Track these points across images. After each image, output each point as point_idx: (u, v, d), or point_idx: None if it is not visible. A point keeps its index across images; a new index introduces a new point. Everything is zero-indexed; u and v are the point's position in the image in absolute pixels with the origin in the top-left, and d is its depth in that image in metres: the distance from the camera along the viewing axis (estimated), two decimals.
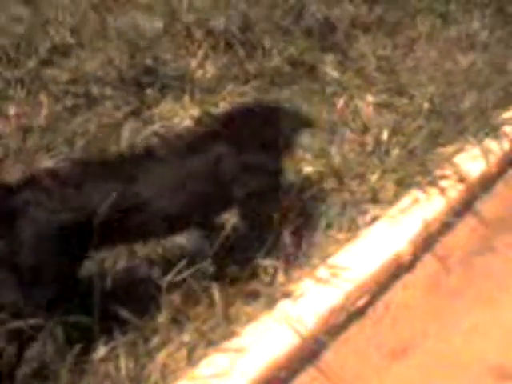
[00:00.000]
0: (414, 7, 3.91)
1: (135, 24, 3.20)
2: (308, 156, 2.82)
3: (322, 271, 2.30)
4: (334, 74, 3.31)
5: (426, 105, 3.12)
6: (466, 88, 3.28)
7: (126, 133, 2.78)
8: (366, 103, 3.13)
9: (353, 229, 2.50)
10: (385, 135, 2.91)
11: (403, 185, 2.67)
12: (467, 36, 3.80)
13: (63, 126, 2.73)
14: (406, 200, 2.62)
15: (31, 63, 2.92)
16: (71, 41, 3.05)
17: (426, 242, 2.58)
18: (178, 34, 3.22)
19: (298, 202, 2.59)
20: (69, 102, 2.84)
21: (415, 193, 2.66)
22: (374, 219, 2.54)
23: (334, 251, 2.38)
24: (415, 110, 3.09)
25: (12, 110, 2.76)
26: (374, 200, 2.62)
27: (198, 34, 3.26)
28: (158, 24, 3.23)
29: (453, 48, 3.69)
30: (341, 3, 3.75)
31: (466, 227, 2.73)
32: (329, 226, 2.49)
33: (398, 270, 2.46)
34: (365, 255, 2.40)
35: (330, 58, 3.41)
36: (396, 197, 2.62)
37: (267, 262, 2.26)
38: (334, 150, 2.87)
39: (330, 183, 2.69)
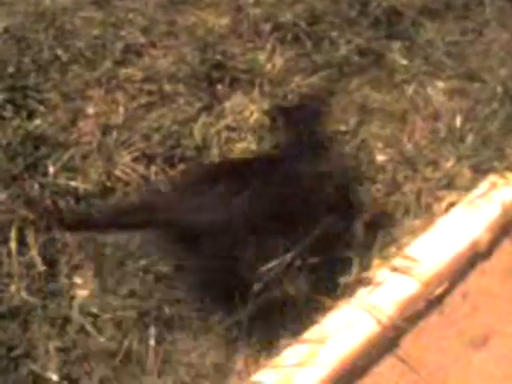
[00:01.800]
0: None
1: (203, 21, 3.21)
2: (379, 145, 2.79)
3: (398, 261, 2.26)
4: (403, 61, 3.24)
5: (499, 89, 3.03)
6: None
7: (199, 127, 2.79)
8: (437, 90, 3.06)
9: (429, 216, 2.45)
10: (458, 121, 2.85)
11: (480, 170, 2.60)
12: None
13: (139, 123, 2.76)
14: (483, 185, 2.55)
15: (107, 63, 2.96)
16: (143, 40, 3.08)
17: (505, 228, 2.51)
18: (245, 29, 3.21)
19: (373, 191, 2.57)
20: (143, 99, 2.86)
21: (492, 178, 2.59)
22: (451, 206, 2.49)
23: (410, 240, 2.34)
24: (488, 95, 3.00)
25: (91, 110, 2.82)
26: (450, 186, 2.56)
27: (266, 27, 3.24)
28: (226, 20, 3.23)
29: None
30: None
31: None
32: (405, 213, 2.45)
33: (475, 257, 2.41)
34: (441, 243, 2.35)
35: (397, 45, 3.33)
36: (472, 182, 2.56)
37: (343, 253, 2.26)
38: (405, 137, 2.82)
39: (403, 171, 2.66)
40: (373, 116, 2.91)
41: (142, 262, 2.21)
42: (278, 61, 3.14)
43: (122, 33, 3.11)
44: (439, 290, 2.27)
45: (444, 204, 2.50)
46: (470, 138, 2.75)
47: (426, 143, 2.79)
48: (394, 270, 2.22)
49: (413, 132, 2.86)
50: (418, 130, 2.87)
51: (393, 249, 2.30)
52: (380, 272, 2.21)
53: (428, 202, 2.51)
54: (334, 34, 3.28)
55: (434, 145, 2.77)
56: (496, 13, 3.68)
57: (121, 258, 2.24)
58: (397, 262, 2.25)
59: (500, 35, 3.54)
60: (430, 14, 3.62)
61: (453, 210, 2.48)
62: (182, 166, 2.65)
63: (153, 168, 2.64)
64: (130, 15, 3.20)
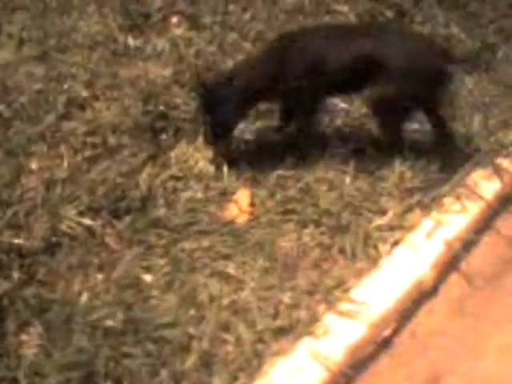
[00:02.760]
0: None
1: (146, 73, 3.22)
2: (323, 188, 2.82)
3: (344, 304, 2.27)
4: None
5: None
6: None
7: (144, 178, 2.78)
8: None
9: (374, 257, 2.48)
10: (396, 162, 2.91)
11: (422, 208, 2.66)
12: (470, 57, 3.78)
13: (84, 176, 2.74)
14: (426, 223, 2.61)
15: (50, 118, 2.95)
16: (85, 94, 3.08)
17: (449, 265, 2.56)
18: (187, 79, 3.24)
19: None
20: (88, 152, 2.85)
21: (435, 215, 2.64)
22: (395, 245, 2.53)
23: (356, 283, 2.36)
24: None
25: (34, 165, 2.79)
26: (394, 227, 2.60)
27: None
28: (168, 71, 3.25)
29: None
30: None
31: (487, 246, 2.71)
32: (351, 256, 2.48)
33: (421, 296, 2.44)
34: (387, 284, 2.38)
35: None
36: (416, 221, 2.62)
37: (288, 299, 2.28)
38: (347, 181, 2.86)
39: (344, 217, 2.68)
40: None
41: (90, 318, 2.17)
42: None
43: (65, 86, 3.11)
44: (387, 332, 2.28)
45: (388, 244, 2.53)
46: (408, 176, 2.81)
47: (368, 185, 2.83)
48: (341, 314, 2.22)
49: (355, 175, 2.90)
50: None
51: (338, 292, 2.31)
52: (326, 318, 2.21)
53: (373, 244, 2.54)
54: None
55: (375, 186, 2.82)
56: None
57: (68, 314, 2.20)
58: (343, 306, 2.26)
59: None
60: None
61: (397, 250, 2.51)
62: (127, 219, 2.64)
63: (99, 221, 2.62)
64: (73, 69, 3.20)
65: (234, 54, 3.40)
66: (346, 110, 3.20)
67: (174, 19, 3.58)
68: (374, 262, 2.47)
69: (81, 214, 2.60)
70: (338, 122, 3.17)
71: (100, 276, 2.41)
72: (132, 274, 2.42)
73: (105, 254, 2.51)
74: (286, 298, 2.30)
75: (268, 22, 3.62)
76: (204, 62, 3.34)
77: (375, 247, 2.54)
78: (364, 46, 2.84)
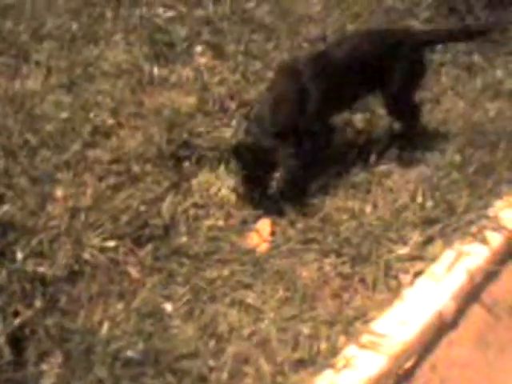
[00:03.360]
0: (438, 61, 3.87)
1: (170, 101, 3.22)
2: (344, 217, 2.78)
3: (365, 336, 2.23)
4: None
5: (457, 157, 3.07)
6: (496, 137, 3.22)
7: (166, 206, 2.77)
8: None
9: (395, 288, 2.44)
10: (419, 191, 2.86)
11: (444, 239, 2.61)
12: (492, 85, 3.75)
13: (107, 204, 2.73)
14: (448, 254, 2.55)
15: (75, 146, 2.95)
16: (111, 121, 3.08)
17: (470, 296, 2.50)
18: (211, 107, 3.23)
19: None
20: (112, 180, 2.85)
21: (457, 246, 2.59)
22: (416, 276, 2.48)
23: (377, 314, 2.32)
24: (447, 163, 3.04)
25: (59, 193, 2.79)
26: (416, 257, 2.55)
27: (231, 105, 3.27)
28: (192, 99, 3.25)
29: (480, 98, 3.64)
30: None
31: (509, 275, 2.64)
32: (372, 287, 2.44)
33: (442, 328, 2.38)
34: (408, 316, 2.32)
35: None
36: (438, 252, 2.56)
37: (308, 330, 2.23)
38: (368, 210, 2.82)
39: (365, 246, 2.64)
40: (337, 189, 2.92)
41: (111, 348, 2.15)
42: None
43: (91, 115, 3.11)
44: (408, 365, 2.23)
45: (409, 275, 2.48)
46: (430, 206, 2.76)
47: (389, 214, 2.79)
48: (362, 346, 2.18)
49: (375, 203, 2.86)
50: (380, 201, 2.87)
51: (359, 324, 2.26)
52: (347, 349, 2.17)
53: (394, 274, 2.49)
54: None
55: (396, 216, 2.77)
56: (452, 82, 3.76)
57: (89, 343, 2.18)
58: (364, 338, 2.21)
59: (456, 104, 3.60)
60: None
61: (418, 281, 2.46)
62: (149, 247, 2.62)
63: (121, 249, 2.60)
64: (99, 97, 3.20)
65: (258, 83, 3.38)
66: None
67: (199, 48, 3.59)
68: (395, 292, 2.43)
69: (104, 241, 2.59)
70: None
71: (120, 305, 2.39)
72: (152, 303, 2.40)
73: (126, 282, 2.49)
74: (306, 328, 2.27)
75: (291, 51, 3.61)
76: (227, 91, 3.32)
77: (396, 278, 2.49)
78: None
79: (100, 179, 2.86)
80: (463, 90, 3.71)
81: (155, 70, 3.40)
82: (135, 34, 3.62)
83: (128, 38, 3.62)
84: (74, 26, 3.74)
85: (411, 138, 3.18)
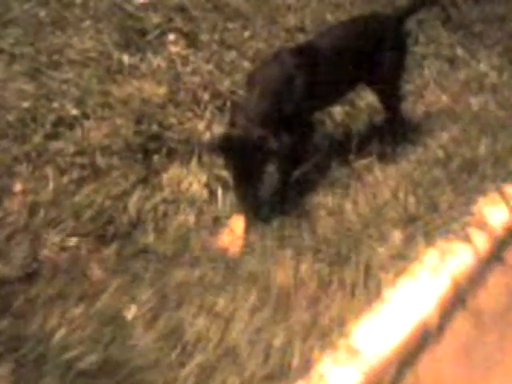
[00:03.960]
0: (421, 53, 3.69)
1: (140, 91, 3.00)
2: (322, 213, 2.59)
3: (342, 350, 2.02)
4: None
5: (440, 152, 2.88)
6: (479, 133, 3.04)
7: (133, 202, 2.56)
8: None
9: (375, 289, 2.24)
10: (402, 187, 2.68)
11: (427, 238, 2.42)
12: (476, 78, 3.58)
13: (70, 199, 2.52)
14: (431, 254, 2.36)
15: (37, 137, 2.72)
16: (76, 112, 2.85)
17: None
18: (183, 98, 3.02)
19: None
20: (75, 174, 2.63)
21: (441, 245, 2.40)
22: (397, 276, 2.28)
23: (355, 322, 2.11)
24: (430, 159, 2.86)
25: (18, 187, 2.56)
26: (397, 256, 2.36)
27: (204, 96, 3.06)
28: (163, 90, 3.02)
29: (463, 91, 3.47)
30: None
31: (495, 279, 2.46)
32: (351, 290, 2.24)
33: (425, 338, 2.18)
34: (388, 323, 2.12)
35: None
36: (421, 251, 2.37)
37: (280, 342, 2.03)
38: (348, 206, 2.64)
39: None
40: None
41: (64, 357, 1.93)
42: (218, 129, 2.94)
43: (55, 105, 2.88)
44: (387, 381, 2.02)
45: (391, 274, 2.29)
46: (412, 202, 2.57)
47: (369, 211, 2.60)
48: (337, 361, 1.97)
49: (355, 199, 2.67)
50: (360, 197, 2.68)
51: (335, 336, 2.05)
52: (321, 364, 1.96)
53: (374, 273, 2.30)
54: None
55: (377, 213, 2.58)
56: (435, 74, 3.58)
57: (42, 351, 1.96)
58: (340, 351, 2.00)
59: (439, 97, 3.43)
60: None
61: (400, 281, 2.27)
62: (114, 245, 2.41)
63: (84, 247, 2.39)
64: (64, 86, 2.97)
65: (233, 73, 3.17)
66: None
67: (172, 37, 3.36)
68: (375, 294, 2.23)
69: (65, 239, 2.38)
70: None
71: (79, 309, 2.17)
72: (114, 308, 2.18)
73: (87, 284, 2.28)
74: (278, 339, 2.05)
75: (268, 41, 3.40)
76: (200, 81, 3.11)
77: (376, 277, 2.30)
78: None
79: (62, 173, 2.64)
80: (446, 83, 3.53)
81: (125, 58, 3.17)
82: (105, 21, 3.38)
83: (97, 25, 3.38)
84: (42, 13, 3.49)
85: (393, 132, 2.99)
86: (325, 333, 2.06)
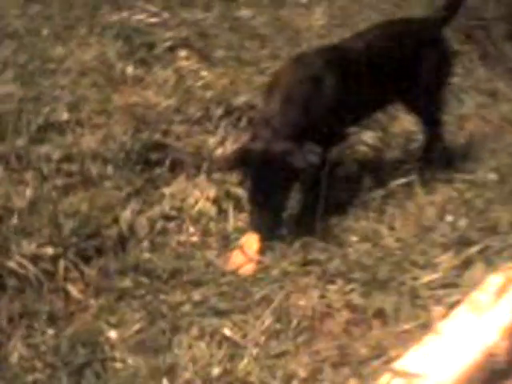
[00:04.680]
0: (458, 85, 3.32)
1: (145, 100, 2.63)
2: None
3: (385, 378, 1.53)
4: None
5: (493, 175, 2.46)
6: None
7: (126, 214, 2.13)
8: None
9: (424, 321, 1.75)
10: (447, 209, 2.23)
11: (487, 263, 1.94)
12: None
13: (49, 207, 2.09)
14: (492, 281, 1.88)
15: (20, 141, 2.34)
16: (67, 117, 2.47)
17: None
18: (192, 112, 2.63)
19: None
20: (60, 181, 2.23)
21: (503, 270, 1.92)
22: (452, 307, 1.80)
23: (402, 352, 1.63)
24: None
25: None
26: (448, 284, 1.89)
27: (217, 111, 2.67)
28: (171, 101, 2.65)
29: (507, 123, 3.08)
30: None
31: None
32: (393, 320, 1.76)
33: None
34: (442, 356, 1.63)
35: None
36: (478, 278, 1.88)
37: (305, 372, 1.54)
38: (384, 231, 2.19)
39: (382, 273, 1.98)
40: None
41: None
42: (231, 146, 2.54)
43: (45, 109, 2.50)
44: None
45: (443, 305, 1.81)
46: (463, 225, 2.12)
47: (411, 236, 2.15)
48: None
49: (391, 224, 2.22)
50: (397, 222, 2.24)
51: (376, 363, 1.56)
52: None
53: (422, 304, 1.82)
54: None
55: (421, 237, 2.13)
56: (475, 107, 3.22)
57: None
58: (383, 379, 1.51)
59: (482, 129, 3.04)
60: None
61: (455, 313, 1.78)
62: (99, 261, 1.97)
63: (61, 262, 1.94)
64: (56, 92, 2.60)
65: (250, 89, 2.80)
66: None
67: (183, 53, 3.03)
68: (424, 326, 1.74)
69: (38, 249, 1.93)
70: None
71: (51, 331, 1.71)
72: (93, 330, 1.71)
73: (61, 302, 1.82)
74: (302, 369, 1.56)
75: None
76: (213, 96, 2.73)
77: (425, 309, 1.81)
78: None
79: (45, 179, 2.23)
80: (488, 115, 3.15)
81: (129, 70, 2.82)
82: (110, 36, 3.05)
83: (102, 39, 3.05)
84: (45, 30, 3.18)
85: (432, 154, 2.58)
86: (362, 360, 1.56)
